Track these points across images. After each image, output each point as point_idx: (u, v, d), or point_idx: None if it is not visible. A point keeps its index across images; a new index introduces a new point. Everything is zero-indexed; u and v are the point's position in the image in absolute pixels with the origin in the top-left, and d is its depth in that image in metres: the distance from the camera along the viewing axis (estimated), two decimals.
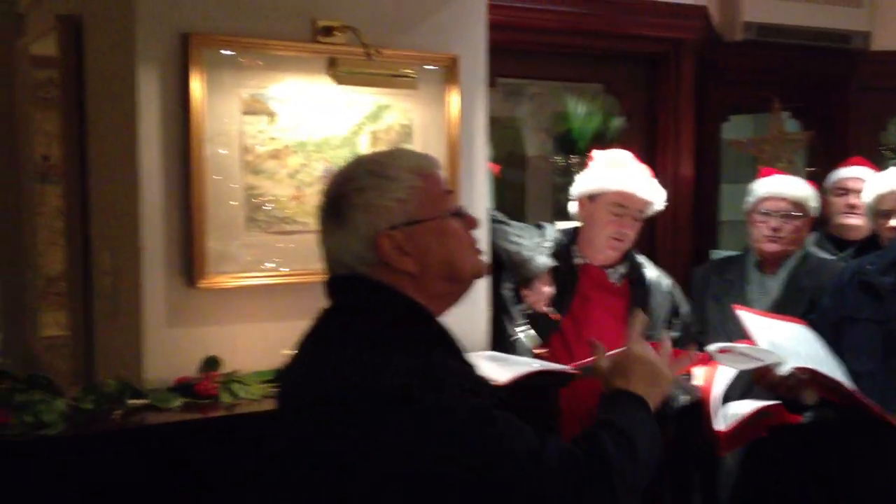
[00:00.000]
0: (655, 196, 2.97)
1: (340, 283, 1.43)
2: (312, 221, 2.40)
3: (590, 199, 2.97)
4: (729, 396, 2.71)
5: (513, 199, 4.82)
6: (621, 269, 2.98)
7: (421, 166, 1.44)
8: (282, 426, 1.43)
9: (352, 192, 1.40)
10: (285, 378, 1.54)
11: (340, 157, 2.44)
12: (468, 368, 1.42)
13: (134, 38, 2.24)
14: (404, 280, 1.40)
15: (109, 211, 2.51)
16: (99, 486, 1.92)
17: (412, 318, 1.39)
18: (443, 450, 1.24)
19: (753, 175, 3.45)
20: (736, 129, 4.44)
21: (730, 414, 2.59)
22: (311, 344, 1.45)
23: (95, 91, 2.60)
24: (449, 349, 1.42)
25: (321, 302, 1.51)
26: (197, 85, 2.27)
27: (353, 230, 1.39)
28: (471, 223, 1.48)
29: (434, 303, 1.43)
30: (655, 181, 3.00)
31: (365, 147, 2.48)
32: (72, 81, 2.65)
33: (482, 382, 1.43)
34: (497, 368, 2.35)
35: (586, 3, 3.66)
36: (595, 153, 3.07)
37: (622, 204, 2.91)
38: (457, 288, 1.47)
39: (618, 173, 2.94)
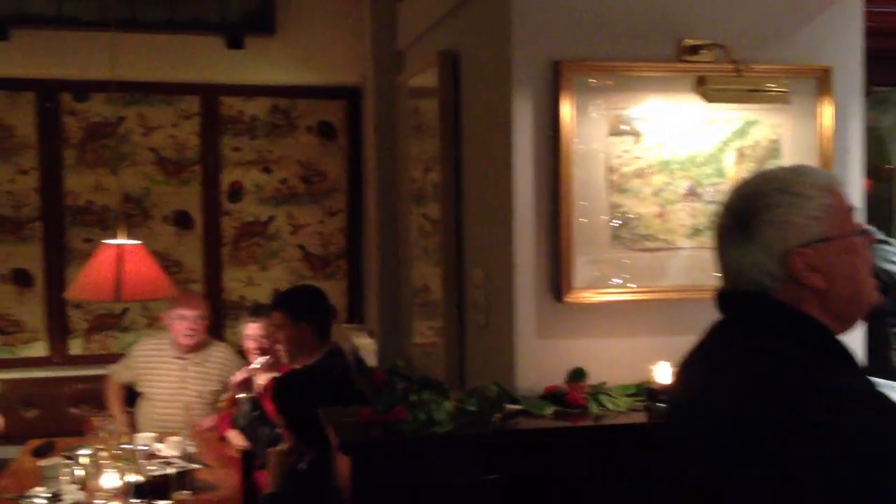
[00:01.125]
0: None
1: (739, 298, 1.44)
2: (676, 239, 2.44)
3: None
4: None
5: (879, 215, 4.46)
6: None
7: (830, 183, 1.42)
8: (677, 449, 1.45)
9: (762, 208, 1.40)
10: (677, 397, 1.56)
11: (705, 175, 2.44)
12: (874, 388, 1.37)
13: (509, 68, 2.41)
14: (809, 297, 1.38)
15: (482, 229, 2.71)
16: (480, 483, 2.07)
17: (816, 337, 1.37)
18: (861, 472, 1.22)
19: None
20: None
21: None
22: (705, 361, 1.46)
23: (470, 118, 2.82)
24: (853, 370, 1.38)
25: (685, 319, 1.54)
26: (566, 109, 2.39)
27: (763, 246, 1.39)
28: (871, 241, 1.44)
29: (835, 323, 1.40)
30: None
31: (730, 164, 2.45)
32: (449, 110, 2.91)
33: (891, 403, 1.37)
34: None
35: None
36: None
37: None
38: (855, 310, 1.42)
39: None
